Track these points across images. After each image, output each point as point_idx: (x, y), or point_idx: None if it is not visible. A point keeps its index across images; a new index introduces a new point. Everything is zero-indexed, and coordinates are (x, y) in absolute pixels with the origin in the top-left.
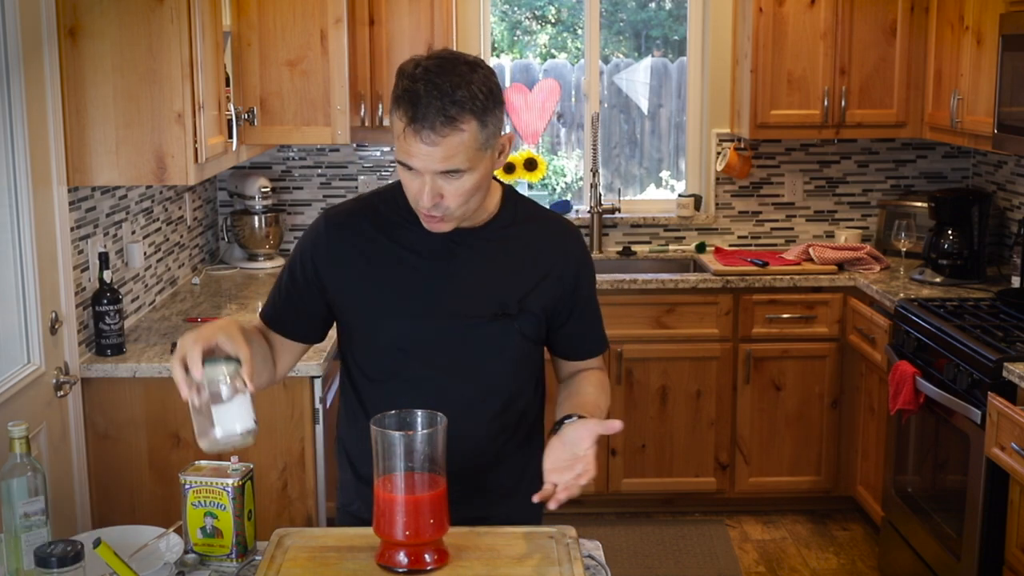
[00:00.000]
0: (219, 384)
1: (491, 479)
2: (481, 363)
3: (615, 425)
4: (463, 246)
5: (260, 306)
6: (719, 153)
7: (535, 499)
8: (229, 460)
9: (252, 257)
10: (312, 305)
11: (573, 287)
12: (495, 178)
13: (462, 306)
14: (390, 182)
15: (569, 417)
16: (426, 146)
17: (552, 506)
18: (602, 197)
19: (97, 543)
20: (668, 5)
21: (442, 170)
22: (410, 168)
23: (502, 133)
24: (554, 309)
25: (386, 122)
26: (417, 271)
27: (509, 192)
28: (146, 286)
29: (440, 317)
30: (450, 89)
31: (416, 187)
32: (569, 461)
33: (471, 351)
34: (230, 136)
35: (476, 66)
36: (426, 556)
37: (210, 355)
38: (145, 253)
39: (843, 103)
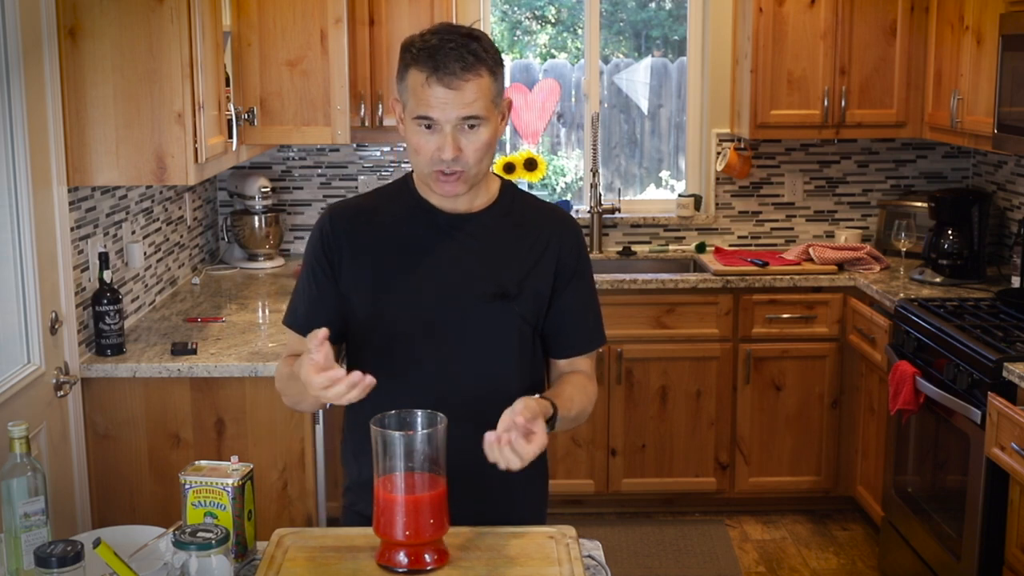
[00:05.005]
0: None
1: (490, 472)
2: (481, 345)
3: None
4: (462, 231)
5: (260, 306)
6: (719, 153)
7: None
8: (229, 460)
9: (252, 257)
10: (338, 302)
11: (568, 269)
12: (495, 173)
13: (462, 287)
14: (391, 181)
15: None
16: (449, 91)
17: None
18: (602, 197)
19: (97, 543)
20: (668, 5)
21: (464, 115)
22: (429, 125)
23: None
24: (551, 290)
25: (387, 122)
26: (418, 255)
27: (507, 183)
28: (146, 286)
29: (441, 299)
30: (464, 41)
31: (436, 142)
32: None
33: (472, 332)
34: (230, 136)
35: (477, 31)
36: (426, 556)
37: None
38: (145, 253)
39: (843, 103)
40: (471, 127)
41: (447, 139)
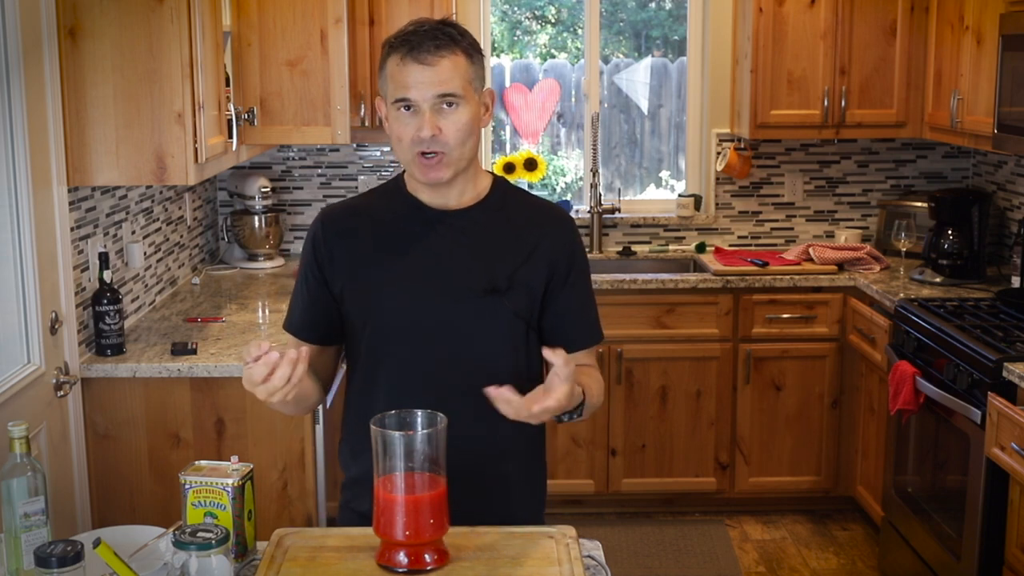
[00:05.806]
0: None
1: (489, 469)
2: (474, 341)
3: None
4: (451, 227)
5: (260, 306)
6: (719, 153)
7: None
8: (229, 460)
9: (252, 257)
10: (331, 305)
11: (564, 266)
12: (489, 171)
13: (453, 283)
14: (387, 180)
15: None
16: (424, 67)
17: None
18: (602, 197)
19: (97, 543)
20: (668, 5)
21: (440, 92)
22: (408, 107)
23: (485, 87)
24: (545, 286)
25: None
26: (408, 253)
27: (499, 179)
28: (146, 286)
29: (432, 295)
30: (438, 25)
31: (414, 124)
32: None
33: (464, 328)
34: (230, 136)
35: (451, 20)
36: (426, 556)
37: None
38: (145, 253)
39: (843, 103)
40: (449, 105)
41: (425, 118)
